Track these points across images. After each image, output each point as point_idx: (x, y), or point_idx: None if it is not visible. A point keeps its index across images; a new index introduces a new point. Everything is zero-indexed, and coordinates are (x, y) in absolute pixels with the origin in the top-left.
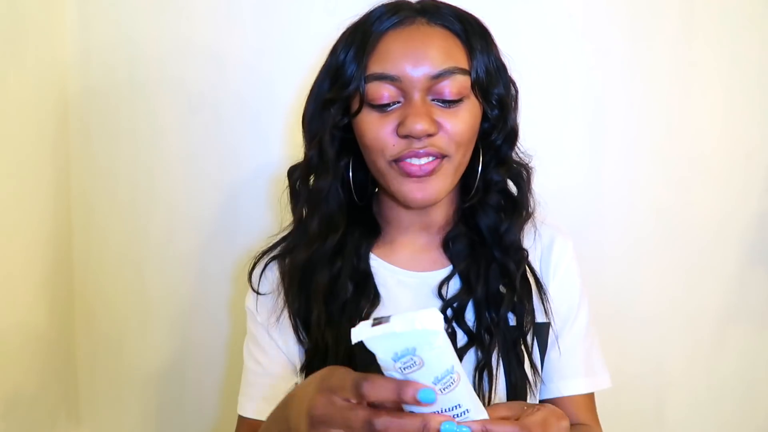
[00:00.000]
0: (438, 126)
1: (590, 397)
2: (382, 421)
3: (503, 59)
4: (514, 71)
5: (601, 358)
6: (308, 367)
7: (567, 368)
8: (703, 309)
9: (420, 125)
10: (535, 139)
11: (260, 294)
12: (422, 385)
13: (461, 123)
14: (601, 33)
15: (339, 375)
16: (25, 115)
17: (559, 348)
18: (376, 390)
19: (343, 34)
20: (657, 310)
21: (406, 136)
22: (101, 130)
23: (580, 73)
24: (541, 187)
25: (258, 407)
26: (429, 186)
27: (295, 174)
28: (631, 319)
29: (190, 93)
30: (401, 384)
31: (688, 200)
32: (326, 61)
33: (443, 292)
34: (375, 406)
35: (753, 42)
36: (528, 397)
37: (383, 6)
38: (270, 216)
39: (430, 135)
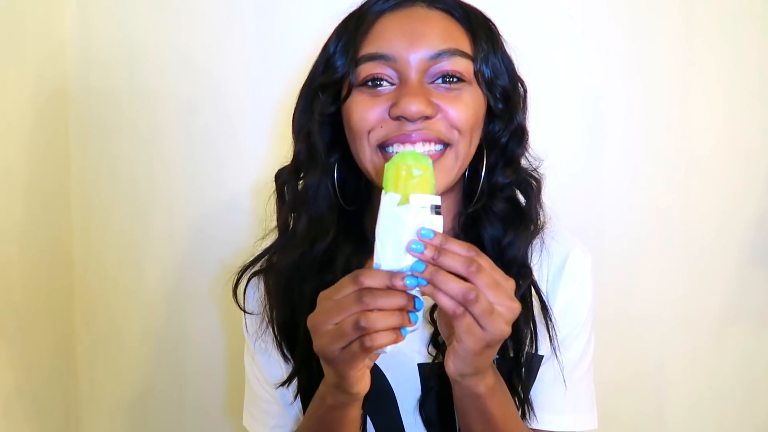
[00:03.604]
0: (436, 108)
1: None
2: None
3: (510, 55)
4: (523, 71)
5: (591, 396)
6: (292, 382)
7: (549, 400)
8: (703, 309)
9: (415, 106)
10: (534, 139)
11: (247, 313)
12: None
13: (463, 106)
14: (601, 33)
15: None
16: (25, 116)
17: (564, 380)
18: (371, 277)
19: (337, 26)
20: (657, 310)
21: (398, 118)
22: (101, 130)
23: (580, 72)
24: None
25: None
26: None
27: (283, 176)
28: (631, 319)
29: (190, 93)
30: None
31: (688, 200)
32: (318, 56)
33: (435, 315)
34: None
35: (753, 42)
36: None
37: None
38: (271, 215)
39: (427, 117)
